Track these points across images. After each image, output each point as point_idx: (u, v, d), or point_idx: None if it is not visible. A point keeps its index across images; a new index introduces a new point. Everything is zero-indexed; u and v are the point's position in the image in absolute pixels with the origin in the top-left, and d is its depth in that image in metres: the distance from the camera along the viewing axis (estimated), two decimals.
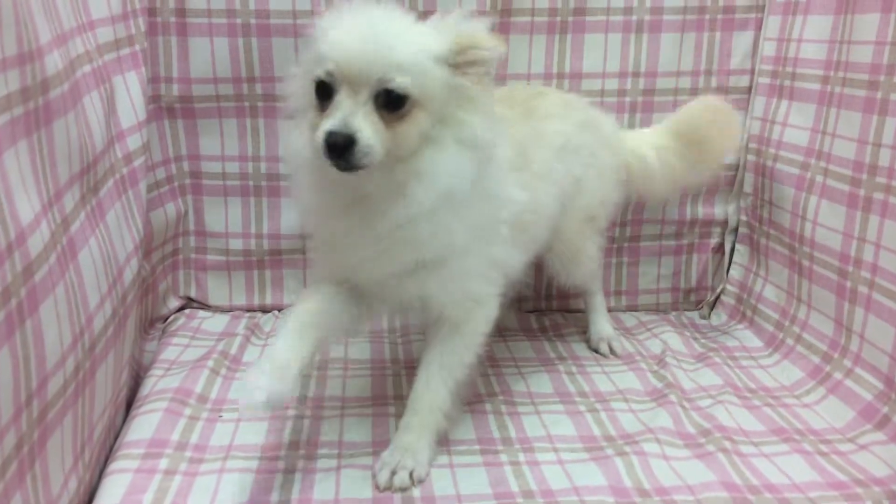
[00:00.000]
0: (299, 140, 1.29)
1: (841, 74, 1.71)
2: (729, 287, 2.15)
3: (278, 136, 1.95)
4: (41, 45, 1.07)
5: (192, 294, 2.08)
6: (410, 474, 1.33)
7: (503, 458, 1.43)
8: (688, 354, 1.90)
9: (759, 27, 2.02)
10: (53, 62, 1.12)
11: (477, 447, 1.47)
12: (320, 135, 1.15)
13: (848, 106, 1.68)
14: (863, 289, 1.63)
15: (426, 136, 1.23)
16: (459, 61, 1.23)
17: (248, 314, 2.05)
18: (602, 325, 1.96)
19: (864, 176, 1.62)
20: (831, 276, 1.72)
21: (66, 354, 1.08)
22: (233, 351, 1.80)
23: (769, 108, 1.98)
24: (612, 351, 1.91)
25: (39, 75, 1.05)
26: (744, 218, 2.11)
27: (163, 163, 1.94)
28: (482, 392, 1.68)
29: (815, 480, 1.38)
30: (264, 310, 2.08)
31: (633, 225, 2.15)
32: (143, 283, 1.83)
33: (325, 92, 1.19)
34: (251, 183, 2.01)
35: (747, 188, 2.08)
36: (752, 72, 2.05)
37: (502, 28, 1.93)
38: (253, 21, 1.86)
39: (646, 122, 2.05)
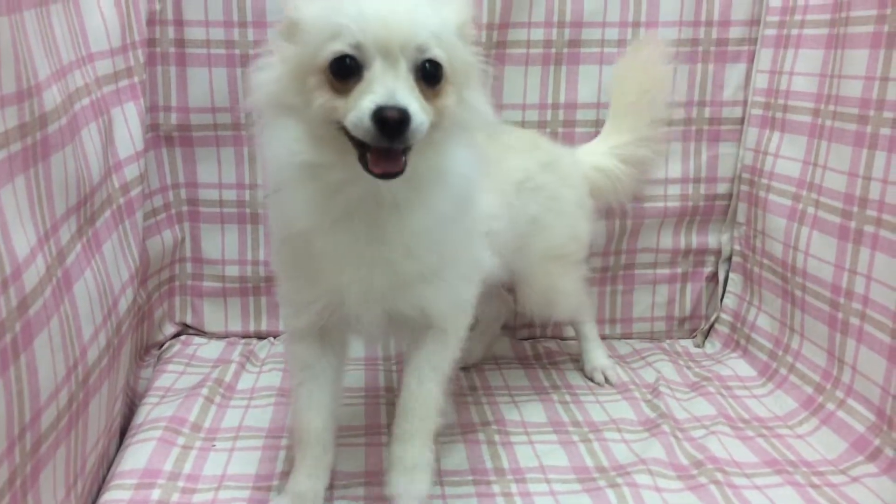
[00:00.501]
0: (287, 138, 1.12)
1: (832, 108, 1.73)
2: (723, 316, 2.16)
3: None
4: (40, 81, 1.08)
5: (189, 320, 2.09)
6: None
7: (495, 488, 1.44)
8: (681, 383, 1.91)
9: (751, 59, 2.05)
10: (52, 97, 1.13)
11: (470, 478, 1.47)
12: (364, 113, 1.01)
13: (838, 139, 1.70)
14: (854, 320, 1.63)
15: (455, 121, 1.15)
16: (465, 35, 1.16)
17: (243, 340, 2.06)
18: (596, 354, 1.96)
19: (855, 208, 1.64)
20: (823, 306, 1.74)
21: (59, 387, 1.09)
22: (227, 378, 1.81)
23: (762, 140, 2.00)
24: (607, 380, 1.91)
25: (38, 110, 1.07)
26: (737, 247, 2.13)
27: (160, 190, 1.95)
28: (476, 421, 1.68)
29: None
30: (260, 336, 2.09)
31: (628, 253, 2.16)
32: (139, 310, 1.84)
33: (346, 70, 1.05)
34: (247, 210, 2.02)
35: (740, 218, 2.10)
36: (745, 103, 2.07)
37: (497, 59, 1.96)
38: (251, 52, 1.88)
39: None
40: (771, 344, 1.95)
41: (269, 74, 1.14)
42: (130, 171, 1.52)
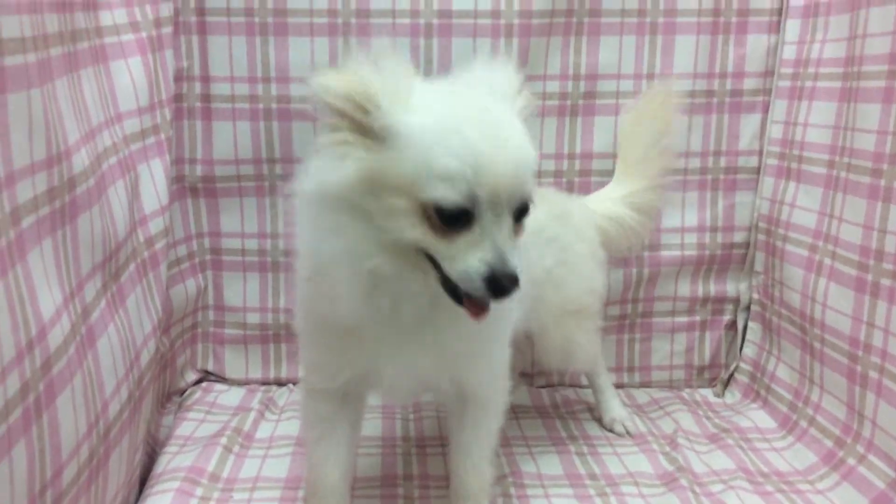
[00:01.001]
0: (353, 240, 1.05)
1: (846, 160, 1.74)
2: (742, 365, 2.15)
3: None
4: (70, 145, 1.13)
5: (210, 367, 2.12)
6: None
7: None
8: (700, 435, 1.89)
9: (766, 110, 2.06)
10: (81, 160, 1.18)
11: None
12: (474, 273, 0.99)
13: (853, 191, 1.71)
14: (873, 374, 1.62)
15: None
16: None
17: (263, 387, 2.08)
18: (613, 404, 1.96)
19: (871, 261, 1.63)
20: (842, 359, 1.73)
21: (80, 443, 1.12)
22: (246, 427, 1.83)
23: (777, 189, 2.01)
24: (627, 431, 1.91)
25: (67, 174, 1.11)
26: (756, 296, 2.12)
27: (185, 240, 2.00)
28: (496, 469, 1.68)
29: None
30: (279, 382, 2.11)
31: (645, 301, 2.17)
32: (162, 358, 1.87)
33: (455, 219, 0.99)
34: (269, 259, 2.06)
35: (758, 267, 2.10)
36: (761, 153, 2.08)
37: None
38: (274, 106, 1.93)
39: None
40: (791, 395, 1.94)
41: (337, 175, 1.02)
42: (155, 225, 1.56)
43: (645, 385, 2.20)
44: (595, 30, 1.98)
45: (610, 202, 1.87)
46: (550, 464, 1.74)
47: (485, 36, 1.93)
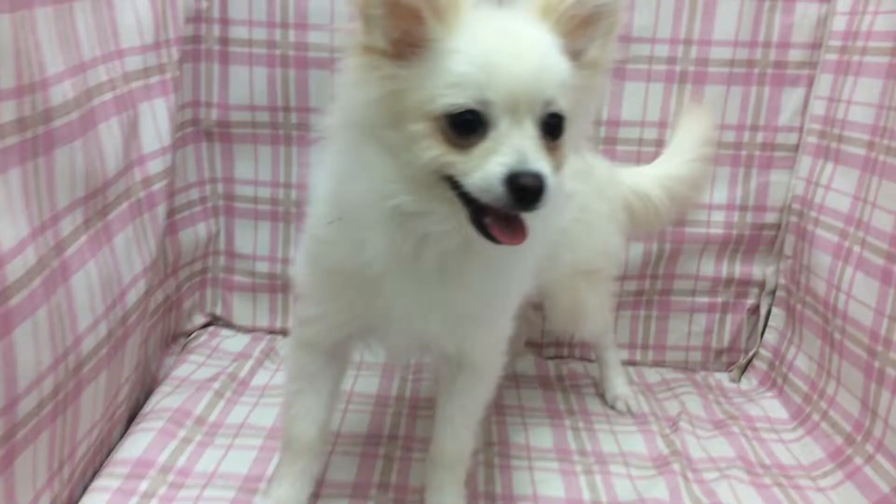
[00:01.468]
0: (378, 177, 1.02)
1: (886, 142, 1.62)
2: (762, 351, 2.06)
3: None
4: (48, 76, 1.11)
5: (218, 312, 2.13)
6: None
7: None
8: (706, 420, 1.82)
9: (810, 84, 1.94)
10: (62, 92, 1.16)
11: None
12: (494, 178, 0.93)
13: (890, 176, 1.59)
14: (891, 371, 1.53)
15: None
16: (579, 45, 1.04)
17: (268, 336, 2.08)
18: (618, 382, 1.90)
19: None
20: (861, 353, 1.63)
21: (43, 375, 1.12)
22: (242, 374, 1.83)
23: (814, 170, 1.90)
24: (628, 409, 1.85)
25: (41, 105, 1.10)
26: (782, 281, 2.02)
27: (198, 184, 1.99)
28: (480, 440, 1.65)
29: None
30: (285, 332, 2.10)
31: (665, 278, 2.08)
32: (167, 300, 1.89)
33: (468, 125, 0.96)
34: (280, 209, 2.04)
35: (788, 250, 1.99)
36: (801, 130, 1.96)
37: None
38: (291, 53, 1.90)
39: None
40: (807, 386, 1.85)
41: (362, 94, 1.00)
42: (154, 166, 1.55)
43: (658, 364, 2.13)
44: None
45: (645, 178, 1.78)
46: (541, 436, 1.70)
47: None
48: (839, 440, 1.65)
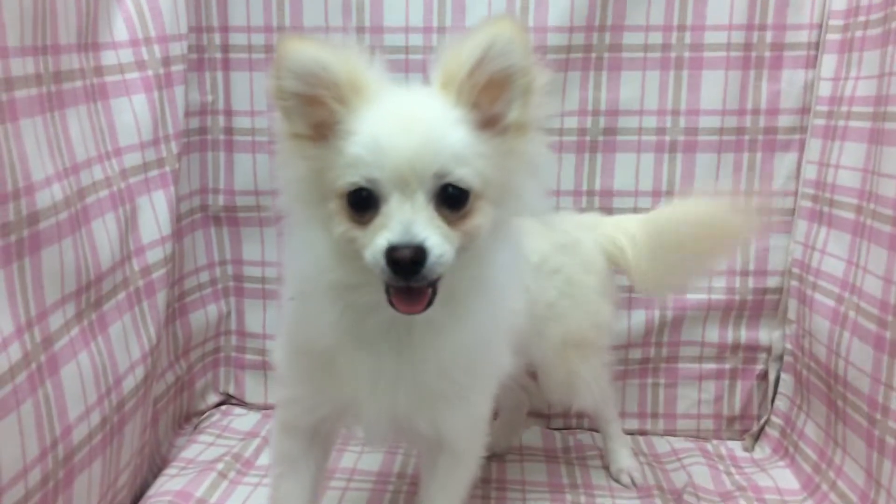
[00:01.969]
0: (315, 252, 1.08)
1: (872, 206, 1.62)
2: (774, 419, 2.02)
3: None
4: (33, 182, 1.19)
5: (231, 391, 2.18)
6: None
7: None
8: (713, 492, 1.79)
9: (802, 149, 1.95)
10: (50, 195, 1.24)
11: None
12: (378, 252, 0.97)
13: (876, 240, 1.58)
14: (890, 440, 1.50)
15: (492, 224, 1.06)
16: (491, 110, 1.04)
17: None
18: (622, 454, 1.88)
19: (890, 318, 1.51)
20: (862, 421, 1.60)
21: (29, 466, 1.17)
22: (247, 454, 1.86)
23: (810, 234, 1.89)
24: (633, 483, 1.83)
25: (27, 209, 1.17)
26: (788, 346, 1.99)
27: (207, 266, 2.07)
28: None
29: None
30: None
31: (670, 346, 2.07)
32: (178, 381, 1.95)
33: (363, 202, 1.01)
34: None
35: (791, 315, 1.97)
36: (796, 194, 1.96)
37: None
38: None
39: None
40: (816, 455, 1.81)
41: (291, 174, 1.08)
42: (154, 255, 1.62)
43: (669, 433, 2.10)
44: (616, 65, 1.93)
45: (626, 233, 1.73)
46: None
47: None
48: None
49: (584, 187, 2.00)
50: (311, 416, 1.29)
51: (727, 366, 2.08)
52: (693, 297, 2.02)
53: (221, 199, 2.05)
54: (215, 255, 2.09)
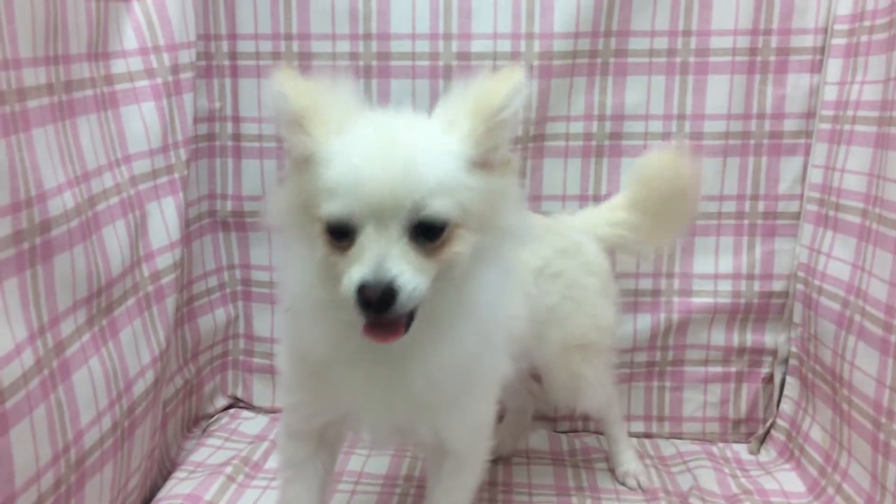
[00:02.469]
0: (303, 268, 1.11)
1: (878, 210, 1.62)
2: (780, 422, 2.02)
3: None
4: (45, 191, 1.21)
5: (239, 394, 2.19)
6: None
7: None
8: (718, 495, 1.79)
9: (808, 153, 1.95)
10: (62, 203, 1.26)
11: None
12: (350, 287, 0.98)
13: (882, 244, 1.59)
14: (895, 444, 1.50)
15: (473, 251, 1.07)
16: (487, 150, 1.05)
17: None
18: (627, 457, 1.89)
19: (895, 321, 1.51)
20: (867, 424, 1.60)
21: (42, 471, 1.18)
22: (255, 457, 1.87)
23: (815, 237, 1.90)
24: (638, 486, 1.84)
25: (39, 217, 1.19)
26: (794, 349, 2.00)
27: (216, 271, 2.09)
28: None
29: None
30: None
31: (675, 349, 2.08)
32: (187, 385, 1.96)
33: (340, 232, 1.02)
34: None
35: (797, 318, 1.98)
36: (802, 198, 1.97)
37: (535, 152, 1.97)
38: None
39: (687, 249, 2.02)
40: (821, 458, 1.81)
41: (284, 192, 1.11)
42: (163, 260, 1.64)
43: (675, 436, 2.10)
44: (622, 70, 1.94)
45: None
46: None
47: None
48: None
49: (591, 192, 2.01)
50: (314, 422, 1.31)
51: (733, 369, 2.09)
52: (699, 300, 2.03)
53: (229, 205, 2.07)
54: (223, 260, 2.11)
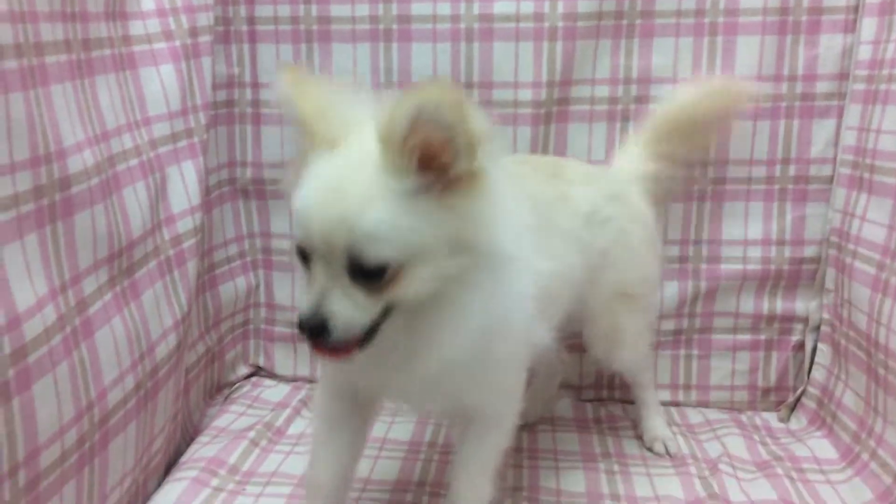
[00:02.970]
0: None
1: None
2: (810, 389, 1.99)
3: None
4: (64, 147, 1.20)
5: (261, 363, 2.19)
6: None
7: None
8: (749, 461, 1.76)
9: (841, 115, 1.90)
10: (81, 160, 1.25)
11: None
12: (298, 315, 1.05)
13: None
14: None
15: (439, 278, 1.06)
16: (442, 170, 1.01)
17: (308, 385, 2.12)
18: (656, 423, 1.86)
19: None
20: None
21: (65, 427, 1.18)
22: (278, 423, 1.87)
23: (849, 201, 1.85)
24: (667, 451, 1.81)
25: (58, 173, 1.18)
26: (826, 316, 1.96)
27: (236, 239, 2.08)
28: (509, 485, 1.64)
29: None
30: None
31: (703, 317, 2.04)
32: (209, 352, 1.96)
33: (304, 257, 1.07)
34: None
35: (829, 284, 1.93)
36: (834, 161, 1.92)
37: (560, 116, 1.94)
38: None
39: (716, 214, 1.97)
40: (855, 425, 1.77)
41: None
42: (184, 224, 1.63)
43: (702, 405, 2.07)
44: (648, 31, 1.90)
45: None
46: (573, 481, 1.68)
47: (527, 40, 1.88)
48: (888, 480, 1.58)
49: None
50: (345, 388, 1.34)
51: (762, 337, 2.05)
52: (727, 267, 2.00)
53: (249, 172, 2.05)
54: (244, 228, 2.10)
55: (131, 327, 1.40)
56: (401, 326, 1.12)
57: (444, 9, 1.88)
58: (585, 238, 1.51)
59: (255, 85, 1.99)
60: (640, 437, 1.88)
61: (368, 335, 1.08)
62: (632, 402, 2.03)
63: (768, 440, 1.88)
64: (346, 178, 1.03)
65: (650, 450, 1.83)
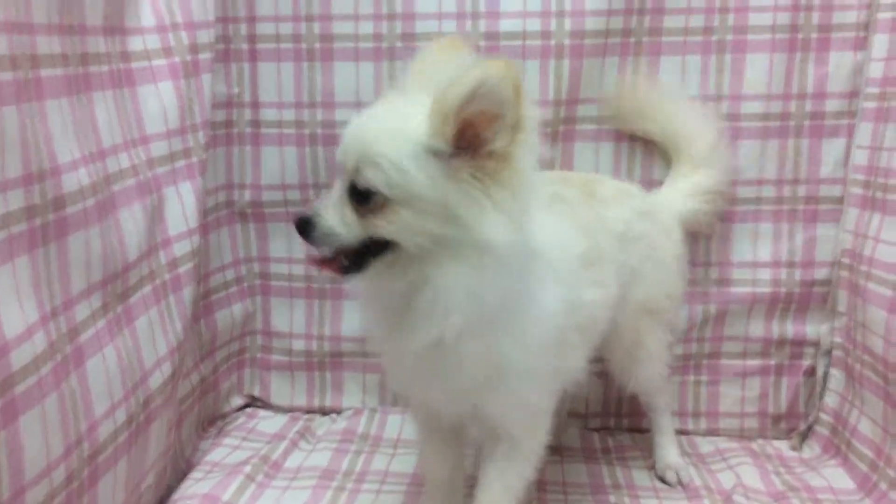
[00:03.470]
0: None
1: None
2: (823, 416, 1.93)
3: None
4: (59, 165, 1.14)
5: (256, 393, 2.12)
6: None
7: None
8: (763, 492, 1.70)
9: (851, 134, 1.87)
10: (76, 179, 1.19)
11: None
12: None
13: None
14: None
15: (422, 233, 1.10)
16: (467, 137, 1.06)
17: (306, 415, 2.05)
18: (669, 450, 1.81)
19: None
20: None
21: (53, 464, 1.10)
22: (275, 456, 1.80)
23: (861, 221, 1.81)
24: (679, 481, 1.75)
25: (52, 193, 1.12)
26: (838, 340, 1.91)
27: (233, 264, 2.01)
28: None
29: None
30: (323, 411, 2.08)
31: (712, 341, 1.99)
32: (203, 382, 1.89)
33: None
34: (315, 285, 2.04)
35: (841, 307, 1.89)
36: (845, 181, 1.88)
37: (566, 135, 1.90)
38: (319, 131, 1.92)
39: (725, 236, 1.93)
40: (872, 453, 1.72)
41: None
42: (181, 248, 1.57)
43: (712, 433, 2.01)
44: (656, 49, 1.86)
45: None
46: None
47: (534, 58, 1.84)
48: None
49: (623, 177, 1.92)
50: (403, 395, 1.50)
51: (772, 362, 2.00)
52: (737, 290, 1.95)
53: (248, 195, 1.99)
54: (241, 252, 2.03)
55: (124, 356, 1.33)
56: (404, 301, 1.17)
57: (450, 26, 1.84)
58: (620, 259, 1.53)
59: (255, 105, 1.94)
60: (650, 467, 1.81)
61: (356, 262, 1.16)
62: (641, 431, 1.98)
63: (782, 469, 1.82)
64: (388, 114, 1.15)
65: (662, 479, 1.77)
